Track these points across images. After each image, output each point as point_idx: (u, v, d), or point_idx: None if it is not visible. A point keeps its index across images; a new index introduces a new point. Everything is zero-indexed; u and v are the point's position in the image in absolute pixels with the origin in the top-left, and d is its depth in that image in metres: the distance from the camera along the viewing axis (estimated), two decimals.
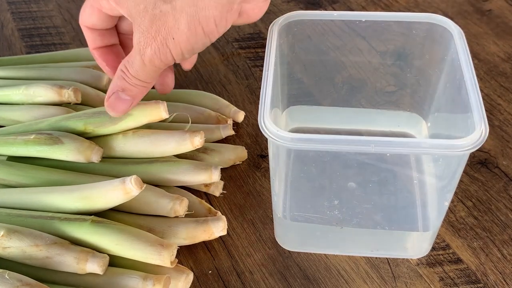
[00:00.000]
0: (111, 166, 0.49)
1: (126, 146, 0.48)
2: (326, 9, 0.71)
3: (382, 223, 0.46)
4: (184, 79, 0.63)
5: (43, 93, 0.52)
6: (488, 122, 0.39)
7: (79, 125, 0.47)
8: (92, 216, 0.43)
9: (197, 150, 0.50)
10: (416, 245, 0.46)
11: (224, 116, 0.55)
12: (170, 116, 0.47)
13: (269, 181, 0.50)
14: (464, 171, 0.51)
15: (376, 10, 0.71)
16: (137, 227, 0.44)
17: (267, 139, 0.38)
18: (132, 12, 0.39)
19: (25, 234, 0.41)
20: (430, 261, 0.46)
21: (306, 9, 0.72)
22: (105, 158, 0.49)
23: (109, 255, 0.42)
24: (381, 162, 0.50)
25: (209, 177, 0.48)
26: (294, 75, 0.51)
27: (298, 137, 0.37)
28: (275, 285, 0.45)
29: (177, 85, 0.62)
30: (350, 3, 0.72)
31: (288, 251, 0.47)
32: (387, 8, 0.71)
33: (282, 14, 0.47)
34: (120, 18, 0.46)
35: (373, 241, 0.46)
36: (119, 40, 0.47)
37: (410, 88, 0.51)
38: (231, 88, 0.61)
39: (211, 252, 0.47)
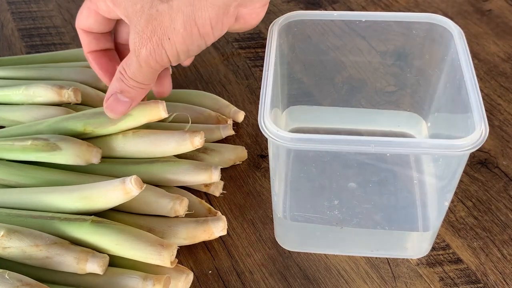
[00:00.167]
0: (111, 166, 0.49)
1: (126, 146, 0.48)
2: (326, 9, 0.71)
3: (382, 223, 0.46)
4: (184, 79, 0.63)
5: (43, 93, 0.52)
6: (488, 122, 0.39)
7: (78, 126, 0.47)
8: (92, 216, 0.43)
9: (197, 150, 0.50)
10: (416, 245, 0.46)
11: (224, 116, 0.55)
12: (170, 116, 0.47)
13: (269, 181, 0.50)
14: (464, 171, 0.51)
15: (376, 10, 0.71)
16: (137, 227, 0.44)
17: (267, 139, 0.38)
18: (129, 12, 0.39)
19: (25, 234, 0.41)
20: (430, 261, 0.46)
21: (306, 9, 0.72)
22: (105, 158, 0.49)
23: (109, 255, 0.42)
24: (381, 162, 0.50)
25: (209, 177, 0.48)
26: (294, 75, 0.51)
27: (298, 137, 0.37)
28: (275, 285, 0.45)
29: (177, 85, 0.62)
30: (350, 3, 0.72)
31: (288, 251, 0.47)
32: (387, 8, 0.71)
33: (282, 14, 0.47)
34: (119, 25, 0.46)
35: (373, 241, 0.46)
36: (118, 49, 0.47)
37: (410, 88, 0.51)
38: (231, 88, 0.61)
39: (211, 252, 0.47)
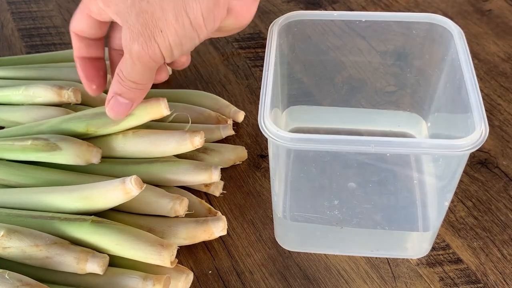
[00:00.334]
0: (111, 166, 0.49)
1: (126, 146, 0.48)
2: (326, 9, 0.71)
3: (382, 223, 0.46)
4: (184, 79, 0.63)
5: (43, 93, 0.52)
6: (488, 122, 0.39)
7: (80, 127, 0.47)
8: (92, 216, 0.43)
9: (197, 150, 0.50)
10: (416, 245, 0.46)
11: (224, 116, 0.55)
12: (170, 116, 0.47)
13: (269, 181, 0.50)
14: (464, 171, 0.51)
15: (376, 10, 0.71)
16: (137, 227, 0.44)
17: (267, 139, 0.38)
18: (120, 8, 0.39)
19: (25, 234, 0.41)
20: (430, 261, 0.46)
21: (306, 9, 0.72)
22: (105, 158, 0.49)
23: (109, 255, 0.42)
24: (381, 162, 0.50)
25: (209, 177, 0.48)
26: (294, 75, 0.51)
27: (298, 137, 0.37)
28: (275, 285, 0.45)
29: (177, 85, 0.62)
30: (350, 3, 0.72)
31: (288, 251, 0.47)
32: (387, 8, 0.71)
33: (282, 14, 0.47)
34: (113, 31, 0.45)
35: (373, 241, 0.46)
36: (112, 58, 0.47)
37: (410, 88, 0.51)
38: (231, 88, 0.61)
39: (211, 252, 0.47)
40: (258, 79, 0.62)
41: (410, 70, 0.49)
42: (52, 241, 0.41)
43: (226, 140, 0.55)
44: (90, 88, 0.46)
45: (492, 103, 0.58)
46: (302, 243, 0.47)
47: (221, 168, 0.48)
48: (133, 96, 0.43)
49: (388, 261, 0.46)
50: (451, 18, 0.53)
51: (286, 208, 0.47)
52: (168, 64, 0.48)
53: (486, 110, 0.54)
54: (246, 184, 0.52)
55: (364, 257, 0.46)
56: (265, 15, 0.71)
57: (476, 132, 0.36)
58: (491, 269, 0.45)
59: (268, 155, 0.50)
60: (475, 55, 0.63)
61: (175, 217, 0.46)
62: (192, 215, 0.47)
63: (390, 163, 0.50)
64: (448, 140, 0.36)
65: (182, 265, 0.45)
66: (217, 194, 0.51)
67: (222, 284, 0.45)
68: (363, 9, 0.71)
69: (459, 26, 0.44)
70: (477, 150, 0.36)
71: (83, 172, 0.48)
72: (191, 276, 0.44)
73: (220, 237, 0.47)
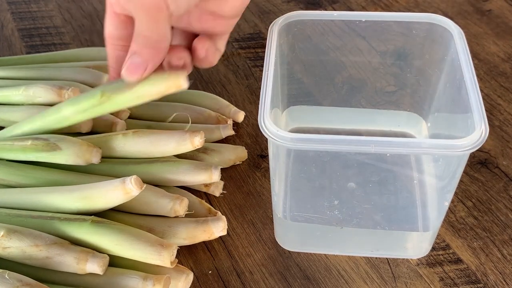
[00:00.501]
0: (111, 166, 0.49)
1: (126, 146, 0.48)
2: (326, 9, 0.71)
3: (382, 223, 0.46)
4: None
5: (43, 93, 0.52)
6: (488, 122, 0.39)
7: (96, 93, 0.44)
8: (92, 216, 0.43)
9: (197, 150, 0.50)
10: (416, 245, 0.46)
11: (224, 116, 0.55)
12: (170, 116, 0.47)
13: (269, 181, 0.50)
14: (464, 171, 0.51)
15: (376, 10, 0.71)
16: (137, 227, 0.44)
17: (267, 139, 0.38)
18: None
19: (25, 234, 0.41)
20: (430, 261, 0.46)
21: (306, 9, 0.72)
22: (105, 158, 0.49)
23: (109, 255, 0.42)
24: (381, 162, 0.50)
25: (209, 177, 0.48)
26: (294, 75, 0.51)
27: (298, 137, 0.37)
28: (275, 285, 0.45)
29: None
30: (350, 3, 0.72)
31: (288, 251, 0.47)
32: (387, 8, 0.71)
33: (282, 14, 0.47)
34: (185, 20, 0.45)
35: (373, 241, 0.46)
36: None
37: (410, 88, 0.51)
38: (231, 88, 0.61)
39: (211, 252, 0.47)
40: (258, 79, 0.62)
41: (410, 70, 0.49)
42: (52, 241, 0.41)
43: (226, 140, 0.55)
44: (111, 68, 0.44)
45: (492, 103, 0.58)
46: (302, 243, 0.47)
47: (221, 168, 0.48)
48: (147, 54, 0.41)
49: (388, 261, 0.46)
50: (451, 18, 0.53)
51: (286, 208, 0.47)
52: (195, 62, 0.45)
53: (486, 110, 0.54)
54: (246, 184, 0.52)
55: (364, 257, 0.46)
56: (265, 15, 0.71)
57: (476, 132, 0.36)
58: (491, 269, 0.45)
59: (268, 155, 0.50)
60: (475, 55, 0.63)
61: (175, 217, 0.46)
62: (192, 215, 0.47)
63: (390, 163, 0.50)
64: (448, 140, 0.36)
65: (182, 265, 0.45)
66: (217, 194, 0.51)
67: (222, 284, 0.45)
68: (363, 9, 0.71)
69: (459, 26, 0.44)
70: (477, 150, 0.36)
71: (83, 172, 0.48)
72: (191, 276, 0.44)
73: (220, 237, 0.47)
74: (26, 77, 0.57)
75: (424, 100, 0.50)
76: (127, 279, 0.41)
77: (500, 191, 0.50)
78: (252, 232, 0.48)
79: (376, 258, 0.46)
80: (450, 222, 0.48)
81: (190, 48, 0.43)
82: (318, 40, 0.48)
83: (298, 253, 0.47)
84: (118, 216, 0.46)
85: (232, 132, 0.54)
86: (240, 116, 0.56)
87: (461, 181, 0.51)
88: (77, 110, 0.46)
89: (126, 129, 0.52)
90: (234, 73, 0.63)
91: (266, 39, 0.45)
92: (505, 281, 0.44)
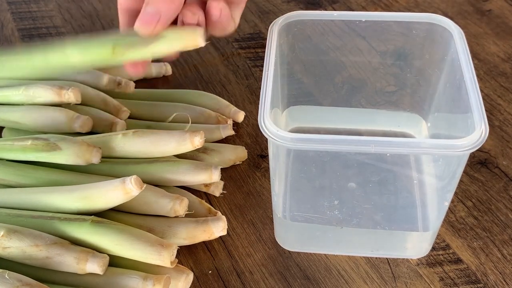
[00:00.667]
0: (111, 166, 0.49)
1: (126, 146, 0.48)
2: (326, 9, 0.71)
3: (382, 223, 0.46)
4: (184, 79, 0.63)
5: (43, 93, 0.52)
6: (488, 122, 0.39)
7: (107, 47, 0.42)
8: (92, 216, 0.43)
9: (197, 150, 0.49)
10: (416, 245, 0.46)
11: (224, 116, 0.55)
12: (170, 116, 0.47)
13: (269, 181, 0.50)
14: (464, 171, 0.51)
15: (376, 10, 0.71)
16: (137, 227, 0.44)
17: (267, 139, 0.38)
18: None
19: (25, 234, 0.41)
20: (430, 261, 0.46)
21: (306, 9, 0.72)
22: (105, 158, 0.49)
23: (109, 255, 0.42)
24: (381, 162, 0.50)
25: (209, 177, 0.48)
26: (294, 75, 0.51)
27: (298, 137, 0.37)
28: (275, 285, 0.45)
29: (177, 85, 0.62)
30: (350, 3, 0.72)
31: (288, 251, 0.47)
32: (387, 8, 0.71)
33: (282, 14, 0.47)
34: None
35: (373, 241, 0.46)
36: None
37: (410, 88, 0.51)
38: (231, 88, 0.61)
39: (211, 252, 0.47)
40: (258, 79, 0.62)
41: (410, 70, 0.49)
42: (52, 241, 0.41)
43: (226, 140, 0.55)
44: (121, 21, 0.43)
45: (492, 103, 0.58)
46: (302, 243, 0.47)
47: (221, 168, 0.48)
48: (161, 4, 0.41)
49: (388, 261, 0.46)
50: (451, 18, 0.53)
51: (286, 208, 0.47)
52: (209, 25, 0.43)
53: (486, 110, 0.54)
54: (246, 184, 0.52)
55: (364, 257, 0.46)
56: (265, 15, 0.71)
57: (476, 132, 0.36)
58: (491, 269, 0.45)
59: (268, 155, 0.50)
60: (475, 55, 0.63)
61: (175, 217, 0.46)
62: (192, 215, 0.47)
63: (390, 163, 0.50)
64: (448, 140, 0.36)
65: (182, 265, 0.45)
66: (217, 194, 0.51)
67: (222, 284, 0.45)
68: (363, 9, 0.71)
69: (459, 26, 0.44)
70: (477, 150, 0.36)
71: (83, 172, 0.48)
72: (191, 276, 0.44)
73: (220, 237, 0.47)
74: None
75: (424, 100, 0.50)
76: (127, 279, 0.41)
77: (500, 191, 0.50)
78: (252, 232, 0.48)
79: (376, 258, 0.46)
80: (450, 222, 0.48)
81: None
82: (318, 40, 0.48)
83: (298, 253, 0.47)
84: (118, 216, 0.46)
85: (232, 132, 0.54)
86: (240, 116, 0.56)
87: (461, 181, 0.51)
88: (83, 57, 0.43)
89: (126, 129, 0.52)
90: (234, 73, 0.63)
91: (266, 39, 0.45)
92: (505, 281, 0.44)
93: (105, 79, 0.56)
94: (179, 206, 0.45)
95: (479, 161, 0.53)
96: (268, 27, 0.45)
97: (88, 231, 0.42)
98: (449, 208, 0.48)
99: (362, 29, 0.47)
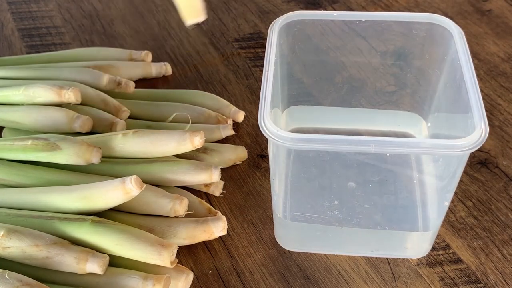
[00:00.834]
0: (111, 166, 0.49)
1: (126, 146, 0.48)
2: (326, 9, 0.71)
3: (382, 223, 0.46)
4: (184, 79, 0.63)
5: (43, 93, 0.52)
6: (488, 122, 0.39)
7: None
8: (92, 216, 0.43)
9: (197, 150, 0.50)
10: (416, 245, 0.46)
11: (224, 116, 0.55)
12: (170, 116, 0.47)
13: (269, 181, 0.50)
14: (464, 171, 0.51)
15: (376, 10, 0.71)
16: (137, 227, 0.44)
17: (267, 139, 0.38)
18: None
19: (25, 234, 0.41)
20: (430, 261, 0.46)
21: (306, 9, 0.72)
22: (105, 158, 0.49)
23: (109, 255, 0.42)
24: (381, 162, 0.50)
25: (209, 177, 0.48)
26: (294, 75, 0.51)
27: (298, 137, 0.37)
28: (275, 285, 0.45)
29: (177, 85, 0.62)
30: (350, 3, 0.72)
31: (288, 251, 0.47)
32: (387, 8, 0.71)
33: (282, 14, 0.47)
34: None
35: (373, 241, 0.46)
36: None
37: (410, 88, 0.51)
38: (231, 88, 0.61)
39: (211, 252, 0.47)
40: (258, 79, 0.62)
41: (410, 70, 0.49)
42: (52, 241, 0.41)
43: (226, 140, 0.55)
44: None
45: (492, 103, 0.58)
46: (302, 243, 0.47)
47: (221, 168, 0.48)
48: None
49: (388, 261, 0.46)
50: (451, 18, 0.53)
51: (286, 208, 0.47)
52: None
53: (486, 110, 0.54)
54: (246, 184, 0.52)
55: (364, 257, 0.46)
56: (265, 15, 0.71)
57: (476, 132, 0.36)
58: (491, 269, 0.45)
59: (268, 155, 0.50)
60: (475, 55, 0.63)
61: (175, 217, 0.46)
62: (192, 215, 0.47)
63: (390, 163, 0.50)
64: (448, 140, 0.36)
65: (182, 265, 0.45)
66: (217, 194, 0.51)
67: (222, 284, 0.45)
68: (363, 9, 0.71)
69: (459, 26, 0.44)
70: (477, 150, 0.36)
71: (83, 172, 0.48)
72: (191, 276, 0.44)
73: (220, 237, 0.47)
74: (26, 77, 0.57)
75: (424, 100, 0.50)
76: (127, 279, 0.41)
77: (500, 191, 0.50)
78: (252, 232, 0.48)
79: (376, 258, 0.46)
80: (450, 222, 0.48)
81: None
82: (318, 40, 0.48)
83: (298, 253, 0.47)
84: (118, 216, 0.46)
85: (232, 132, 0.54)
86: (240, 116, 0.56)
87: (461, 181, 0.51)
88: None
89: (126, 129, 0.52)
90: (234, 73, 0.63)
91: (266, 39, 0.45)
92: (505, 281, 0.44)
93: (105, 79, 0.56)
94: (179, 206, 0.45)
95: (479, 161, 0.53)
96: (268, 27, 0.45)
97: (88, 231, 0.42)
98: (449, 208, 0.48)
99: (362, 29, 0.47)
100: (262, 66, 0.47)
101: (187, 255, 0.46)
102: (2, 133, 0.54)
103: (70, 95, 0.52)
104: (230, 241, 0.48)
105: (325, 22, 0.47)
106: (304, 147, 0.37)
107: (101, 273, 0.41)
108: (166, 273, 0.42)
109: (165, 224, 0.45)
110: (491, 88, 0.59)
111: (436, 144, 0.36)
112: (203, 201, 0.49)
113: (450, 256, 0.46)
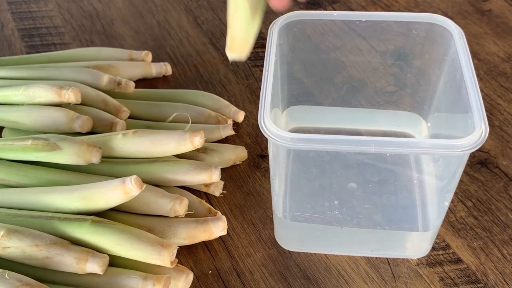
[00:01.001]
0: (111, 166, 0.49)
1: (126, 146, 0.48)
2: (326, 9, 0.71)
3: (382, 223, 0.46)
4: (184, 79, 0.63)
5: (43, 93, 0.52)
6: (488, 122, 0.39)
7: None
8: (92, 216, 0.43)
9: (197, 150, 0.50)
10: (416, 245, 0.46)
11: (224, 116, 0.55)
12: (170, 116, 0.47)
13: (269, 181, 0.50)
14: (464, 171, 0.51)
15: (376, 10, 0.71)
16: (137, 227, 0.44)
17: (267, 139, 0.38)
18: None
19: (25, 234, 0.41)
20: (430, 261, 0.46)
21: (306, 9, 0.72)
22: (105, 158, 0.49)
23: (109, 255, 0.42)
24: (381, 162, 0.50)
25: (209, 177, 0.48)
26: (294, 75, 0.51)
27: (298, 137, 0.37)
28: (275, 285, 0.45)
29: (177, 85, 0.62)
30: (350, 3, 0.72)
31: (288, 251, 0.47)
32: (387, 8, 0.71)
33: (282, 14, 0.47)
34: None
35: (373, 241, 0.46)
36: None
37: (410, 88, 0.51)
38: (231, 88, 0.61)
39: (211, 252, 0.47)
40: (258, 79, 0.62)
41: (410, 70, 0.49)
42: (52, 241, 0.41)
43: (226, 140, 0.55)
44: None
45: (492, 103, 0.58)
46: (302, 243, 0.47)
47: (221, 168, 0.48)
48: None
49: (388, 261, 0.46)
50: (451, 18, 0.53)
51: (286, 208, 0.47)
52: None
53: (486, 110, 0.54)
54: (246, 184, 0.52)
55: (364, 257, 0.46)
56: (265, 15, 0.71)
57: (476, 132, 0.36)
58: (491, 269, 0.45)
59: (268, 155, 0.50)
60: (475, 55, 0.63)
61: (175, 217, 0.46)
62: (192, 215, 0.47)
63: (390, 163, 0.50)
64: (448, 140, 0.36)
65: (182, 265, 0.45)
66: (217, 194, 0.51)
67: (222, 284, 0.45)
68: (363, 9, 0.71)
69: (459, 26, 0.44)
70: (477, 150, 0.36)
71: (83, 172, 0.48)
72: (191, 276, 0.44)
73: (220, 237, 0.47)
74: (26, 77, 0.57)
75: (424, 100, 0.50)
76: (127, 279, 0.41)
77: (500, 191, 0.50)
78: (252, 232, 0.48)
79: (376, 258, 0.46)
80: (450, 222, 0.48)
81: None
82: (318, 40, 0.48)
83: (298, 253, 0.47)
84: (118, 216, 0.46)
85: (232, 132, 0.54)
86: (240, 116, 0.56)
87: (461, 181, 0.51)
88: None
89: (126, 129, 0.52)
90: (234, 73, 0.63)
91: (266, 39, 0.45)
92: (505, 281, 0.44)
93: (105, 79, 0.56)
94: (179, 206, 0.45)
95: (479, 161, 0.53)
96: (268, 27, 0.45)
97: (88, 231, 0.42)
98: (449, 208, 0.48)
99: (362, 29, 0.47)
100: (262, 66, 0.47)
101: (187, 255, 0.46)
102: (2, 133, 0.54)
103: (70, 95, 0.52)
104: (230, 241, 0.48)
105: (325, 22, 0.47)
106: (304, 147, 0.37)
107: (101, 273, 0.41)
108: (166, 273, 0.42)
109: (165, 224, 0.45)
110: (491, 88, 0.59)
111: (436, 144, 0.36)
112: (203, 201, 0.49)
113: (450, 256, 0.46)
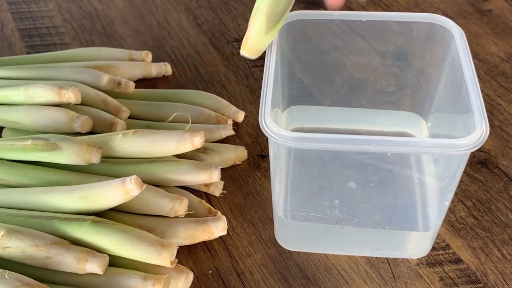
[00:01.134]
0: (111, 166, 0.49)
1: (126, 146, 0.48)
2: (326, 9, 0.71)
3: (382, 223, 0.46)
4: (184, 79, 0.63)
5: (43, 93, 0.52)
6: (488, 122, 0.39)
7: None
8: (92, 216, 0.43)
9: (197, 150, 0.50)
10: (416, 245, 0.46)
11: (224, 116, 0.55)
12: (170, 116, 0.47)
13: (269, 181, 0.50)
14: (464, 171, 0.51)
15: (376, 10, 0.71)
16: (137, 227, 0.44)
17: (267, 139, 0.38)
18: None
19: (25, 234, 0.41)
20: (430, 261, 0.46)
21: (306, 9, 0.72)
22: (105, 158, 0.49)
23: (109, 255, 0.42)
24: (382, 162, 0.50)
25: (209, 177, 0.48)
26: (294, 75, 0.51)
27: (299, 136, 0.37)
28: (275, 285, 0.45)
29: (177, 85, 0.62)
30: (350, 3, 0.72)
31: (288, 251, 0.47)
32: (387, 8, 0.71)
33: None
34: None
35: (373, 241, 0.46)
36: None
37: (410, 88, 0.51)
38: (231, 88, 0.61)
39: (211, 252, 0.47)
40: (258, 79, 0.62)
41: (410, 70, 0.49)
42: (52, 241, 0.41)
43: (226, 140, 0.55)
44: None
45: (492, 103, 0.58)
46: (302, 243, 0.47)
47: (221, 168, 0.48)
48: None
49: (388, 261, 0.46)
50: (451, 18, 0.53)
51: (287, 207, 0.47)
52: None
53: (486, 110, 0.54)
54: (246, 184, 0.52)
55: (364, 257, 0.46)
56: None
57: (477, 132, 0.36)
58: (491, 269, 0.45)
59: (268, 155, 0.50)
60: (475, 55, 0.63)
61: (175, 217, 0.46)
62: (192, 215, 0.47)
63: (390, 163, 0.50)
64: (448, 139, 0.36)
65: (182, 265, 0.45)
66: (217, 194, 0.51)
67: (222, 284, 0.45)
68: (363, 9, 0.71)
69: (459, 26, 0.44)
70: (477, 150, 0.36)
71: (83, 172, 0.48)
72: (191, 276, 0.44)
73: (220, 237, 0.47)
74: (26, 77, 0.57)
75: (425, 100, 0.50)
76: (127, 279, 0.41)
77: (500, 191, 0.50)
78: (252, 232, 0.48)
79: (376, 258, 0.46)
80: (450, 222, 0.48)
81: None
82: (318, 40, 0.48)
83: (298, 253, 0.47)
84: (118, 216, 0.46)
85: (232, 132, 0.54)
86: (240, 116, 0.56)
87: (461, 181, 0.51)
88: None
89: (126, 129, 0.52)
90: (234, 73, 0.63)
91: None
92: (505, 281, 0.44)
93: (105, 79, 0.56)
94: (179, 206, 0.45)
95: (479, 161, 0.53)
96: None
97: (88, 231, 0.42)
98: (449, 208, 0.48)
99: (362, 29, 0.47)
100: (262, 66, 0.47)
101: (187, 255, 0.46)
102: (2, 133, 0.54)
103: (70, 95, 0.51)
104: (230, 241, 0.48)
105: (325, 22, 0.47)
106: (305, 146, 0.37)
107: (101, 273, 0.41)
108: (166, 273, 0.42)
109: (165, 224, 0.45)
110: (491, 88, 0.59)
111: (437, 144, 0.36)
112: (203, 201, 0.49)
113: (450, 256, 0.46)
